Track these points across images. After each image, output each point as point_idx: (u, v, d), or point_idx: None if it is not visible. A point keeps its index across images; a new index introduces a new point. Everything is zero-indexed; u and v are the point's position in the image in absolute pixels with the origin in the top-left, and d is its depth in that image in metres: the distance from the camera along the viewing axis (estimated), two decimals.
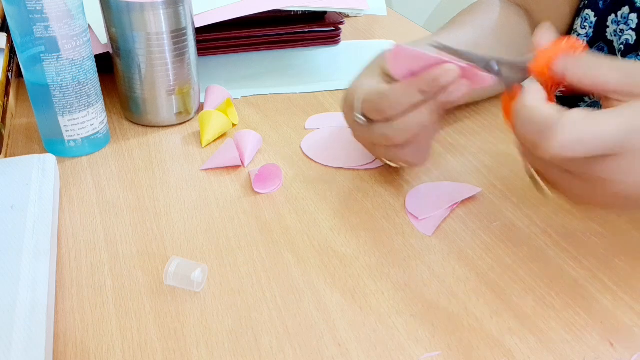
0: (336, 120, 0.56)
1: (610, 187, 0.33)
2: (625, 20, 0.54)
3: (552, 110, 0.32)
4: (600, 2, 0.57)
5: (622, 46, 0.55)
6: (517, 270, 0.40)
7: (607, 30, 0.56)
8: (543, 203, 0.46)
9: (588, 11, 0.59)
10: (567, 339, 0.35)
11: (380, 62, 0.46)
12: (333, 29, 0.74)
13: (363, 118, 0.42)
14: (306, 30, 0.73)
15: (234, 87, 0.63)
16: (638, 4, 0.53)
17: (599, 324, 0.35)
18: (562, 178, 0.35)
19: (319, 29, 0.74)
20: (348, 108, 0.45)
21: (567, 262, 0.40)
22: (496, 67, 0.37)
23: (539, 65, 0.35)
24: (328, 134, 0.54)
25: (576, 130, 0.31)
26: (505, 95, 0.36)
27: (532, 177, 0.38)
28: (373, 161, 0.50)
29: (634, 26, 0.53)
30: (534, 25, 0.63)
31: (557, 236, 0.43)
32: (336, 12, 0.75)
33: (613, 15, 0.56)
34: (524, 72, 0.37)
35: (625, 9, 0.54)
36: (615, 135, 0.31)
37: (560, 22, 0.63)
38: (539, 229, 0.44)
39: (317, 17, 0.73)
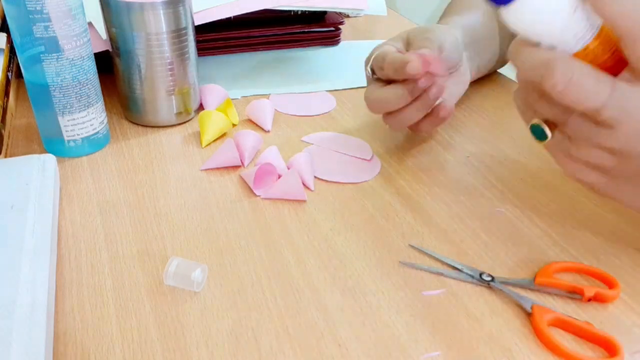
0: (330, 139, 0.56)
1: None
2: None
3: None
4: None
5: None
6: (518, 271, 0.40)
7: None
8: (543, 203, 0.46)
9: None
10: (567, 339, 0.35)
11: (408, 32, 0.52)
12: (333, 29, 0.74)
13: (370, 72, 0.49)
14: (306, 30, 0.73)
15: (234, 87, 0.63)
16: None
17: (599, 324, 0.35)
18: (571, 120, 0.34)
19: (319, 29, 0.74)
20: (365, 62, 0.51)
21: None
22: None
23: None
24: (324, 150, 0.53)
25: None
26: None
27: (534, 124, 0.37)
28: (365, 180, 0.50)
29: None
30: None
31: (557, 236, 0.43)
32: (336, 12, 0.75)
33: None
34: None
35: None
36: None
37: None
38: (539, 229, 0.44)
39: (317, 17, 0.73)
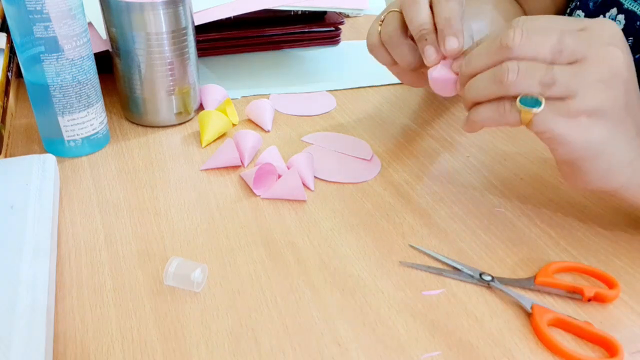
0: (330, 139, 0.56)
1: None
2: (613, 20, 0.55)
3: None
4: (591, 3, 0.58)
5: None
6: (517, 271, 0.40)
7: None
8: (543, 203, 0.46)
9: (579, 12, 0.61)
10: (567, 339, 0.35)
11: None
12: (333, 29, 0.74)
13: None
14: (306, 30, 0.73)
15: (234, 87, 0.63)
16: (625, 5, 0.54)
17: (599, 324, 0.35)
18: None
19: (319, 29, 0.74)
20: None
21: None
22: None
23: None
24: (324, 151, 0.54)
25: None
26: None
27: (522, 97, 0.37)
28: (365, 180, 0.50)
29: (621, 27, 0.54)
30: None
31: (557, 236, 0.43)
32: (336, 12, 0.75)
33: (601, 16, 0.57)
34: None
35: (614, 10, 0.56)
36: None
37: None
38: (539, 228, 0.44)
39: (317, 17, 0.73)
